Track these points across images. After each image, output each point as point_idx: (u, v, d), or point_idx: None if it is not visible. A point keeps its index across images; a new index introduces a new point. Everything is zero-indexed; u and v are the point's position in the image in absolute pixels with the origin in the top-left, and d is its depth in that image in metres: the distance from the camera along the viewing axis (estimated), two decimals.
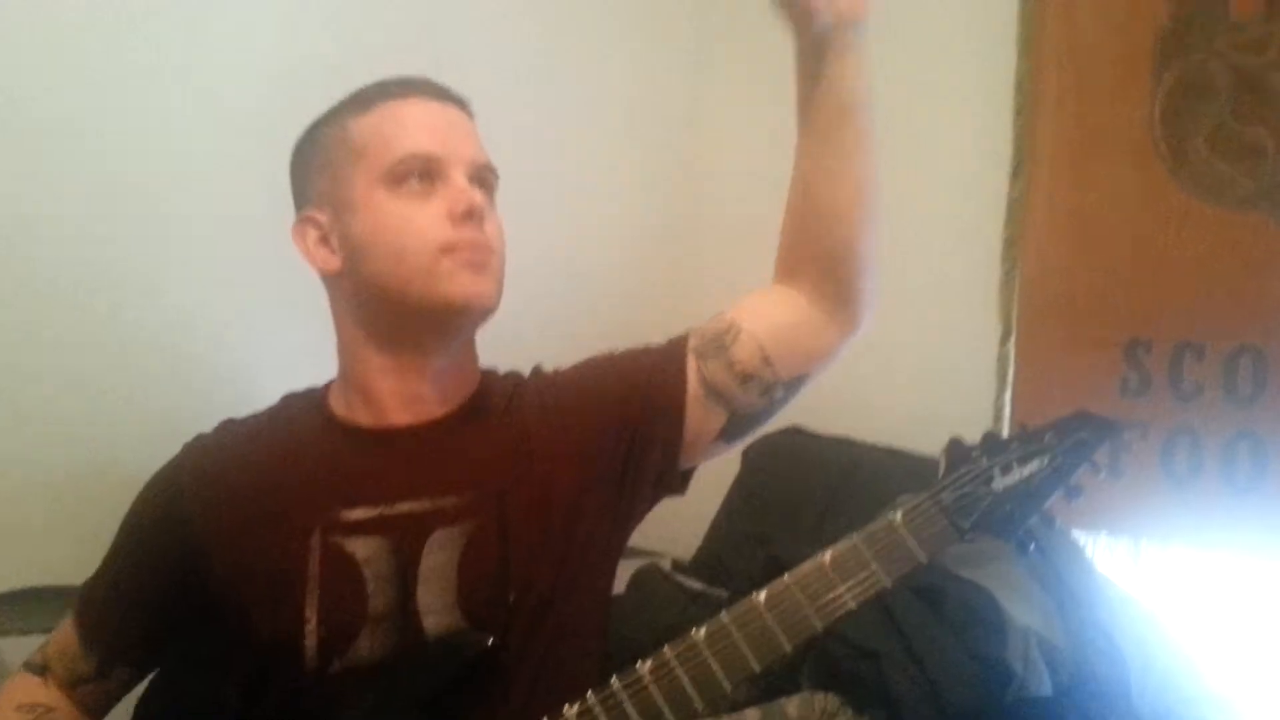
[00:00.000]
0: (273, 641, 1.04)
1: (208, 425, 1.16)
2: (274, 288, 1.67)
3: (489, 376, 1.17)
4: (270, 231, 1.72)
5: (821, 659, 1.46)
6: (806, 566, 0.98)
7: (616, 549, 1.15)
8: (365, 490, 1.06)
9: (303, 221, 1.10)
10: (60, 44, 1.56)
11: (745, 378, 1.12)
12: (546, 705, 0.98)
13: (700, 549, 2.08)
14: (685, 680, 0.94)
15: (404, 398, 1.09)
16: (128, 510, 1.13)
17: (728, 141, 2.37)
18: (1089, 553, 1.75)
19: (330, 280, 1.11)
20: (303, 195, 1.12)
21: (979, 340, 1.92)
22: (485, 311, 1.08)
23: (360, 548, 1.04)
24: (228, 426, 1.16)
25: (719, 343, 1.12)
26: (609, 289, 2.26)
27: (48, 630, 1.14)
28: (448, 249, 1.04)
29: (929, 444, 1.84)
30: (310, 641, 1.03)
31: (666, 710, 0.93)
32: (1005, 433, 1.86)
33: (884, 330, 2.05)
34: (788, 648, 0.95)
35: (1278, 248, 1.60)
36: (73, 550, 1.17)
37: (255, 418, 1.16)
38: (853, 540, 0.98)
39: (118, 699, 1.14)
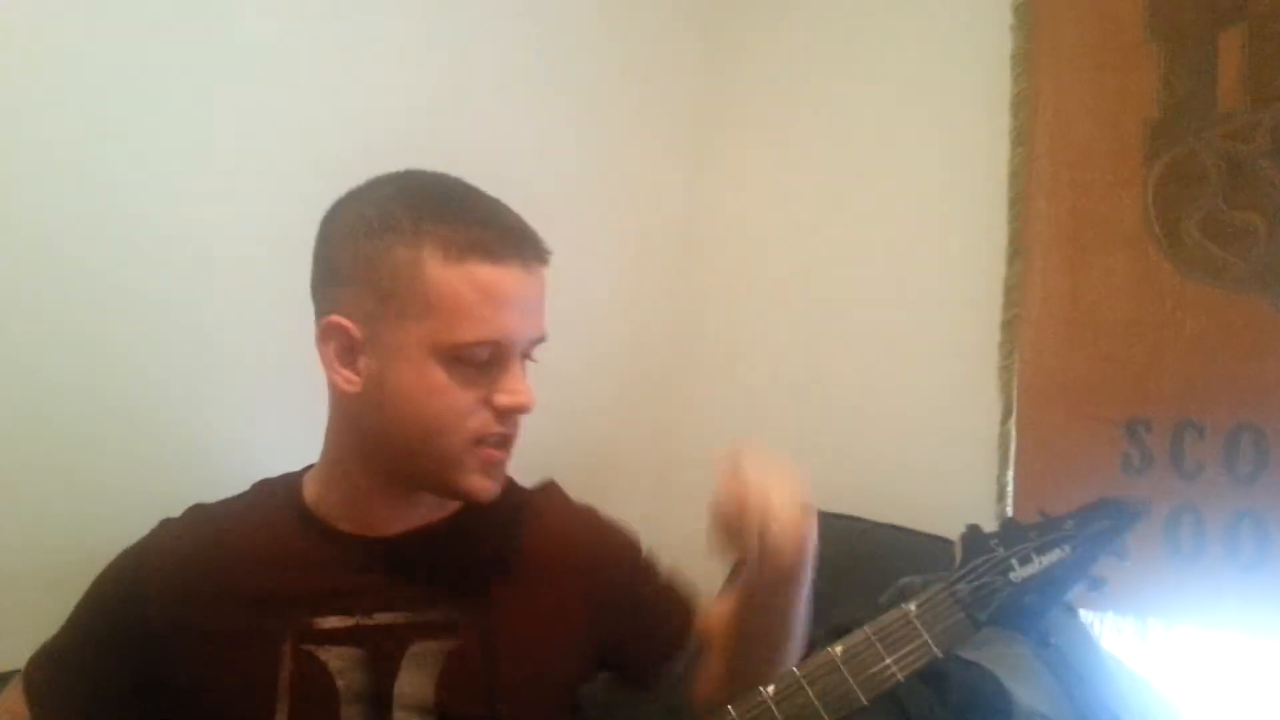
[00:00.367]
0: None
1: (173, 509, 1.11)
2: (253, 365, 1.67)
3: None
4: (248, 305, 1.67)
5: None
6: (818, 659, 0.95)
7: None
8: (341, 599, 1.01)
9: (330, 327, 0.99)
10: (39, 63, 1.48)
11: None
12: None
13: None
14: None
15: (391, 511, 1.05)
16: (92, 584, 1.09)
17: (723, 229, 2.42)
18: (1095, 632, 1.74)
19: (340, 394, 1.02)
20: (333, 289, 1.00)
21: (980, 419, 1.93)
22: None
23: (334, 658, 1.00)
24: (197, 513, 1.11)
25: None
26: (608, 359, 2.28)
27: None
28: (480, 441, 0.99)
29: (934, 522, 1.87)
30: None
31: None
32: (1010, 510, 1.88)
33: (888, 410, 2.11)
34: None
35: (1272, 329, 1.62)
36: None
37: (226, 505, 1.11)
38: (865, 632, 0.95)
39: None
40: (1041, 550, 0.97)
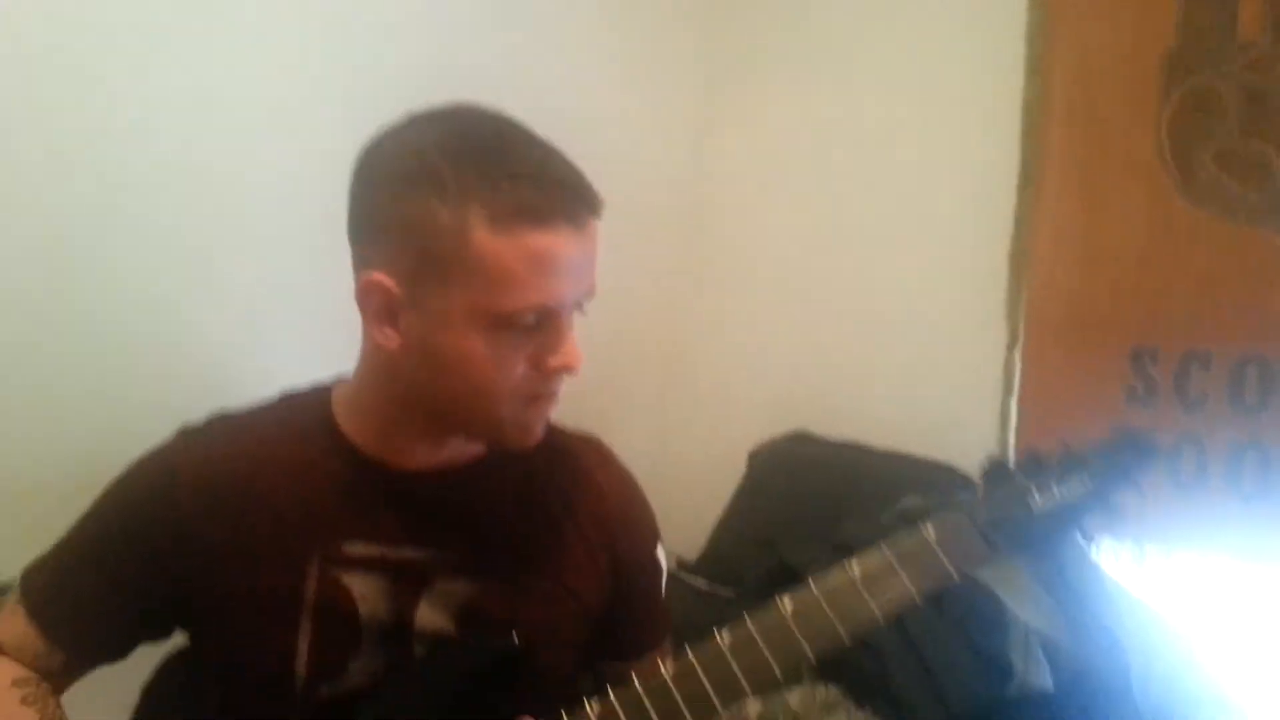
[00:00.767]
0: (259, 664, 0.98)
1: (171, 416, 1.06)
2: (252, 268, 1.66)
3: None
4: (266, 225, 1.68)
5: None
6: (835, 579, 0.95)
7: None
8: (369, 526, 1.00)
9: (371, 286, 0.93)
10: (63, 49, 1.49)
11: None
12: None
13: (705, 550, 2.09)
14: (709, 686, 0.92)
15: (424, 445, 1.03)
16: (108, 493, 1.04)
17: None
18: (1093, 554, 1.76)
19: (377, 346, 0.97)
20: (372, 242, 0.95)
21: (986, 347, 1.94)
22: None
23: (358, 584, 0.99)
24: (225, 422, 1.06)
25: None
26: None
27: None
28: (533, 400, 0.97)
29: (936, 449, 1.89)
30: (300, 669, 0.97)
31: (686, 712, 0.92)
32: (1013, 439, 1.90)
33: (891, 337, 2.12)
34: (813, 658, 0.94)
35: None
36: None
37: (253, 415, 1.07)
38: (883, 553, 0.96)
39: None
40: (1061, 480, 0.98)
